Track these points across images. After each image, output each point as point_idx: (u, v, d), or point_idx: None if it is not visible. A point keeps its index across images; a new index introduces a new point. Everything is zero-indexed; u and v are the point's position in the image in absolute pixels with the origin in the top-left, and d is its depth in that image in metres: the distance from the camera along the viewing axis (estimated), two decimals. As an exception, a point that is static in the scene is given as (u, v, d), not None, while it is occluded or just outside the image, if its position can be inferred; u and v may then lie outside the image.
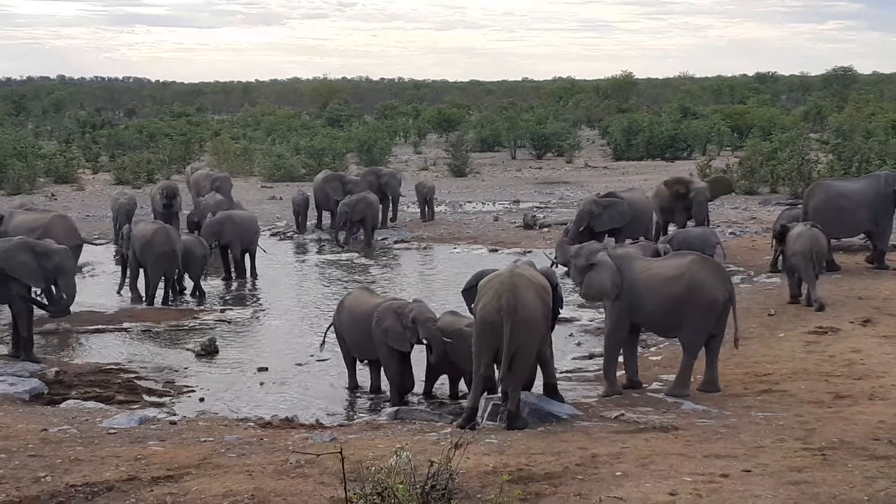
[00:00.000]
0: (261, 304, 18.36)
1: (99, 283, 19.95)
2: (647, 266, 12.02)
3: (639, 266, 12.00)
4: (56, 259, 13.90)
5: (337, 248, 23.58)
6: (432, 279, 20.60)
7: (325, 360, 14.11)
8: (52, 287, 14.41)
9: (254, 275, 20.43)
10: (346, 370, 12.92)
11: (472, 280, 11.56)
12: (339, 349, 13.21)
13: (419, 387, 12.43)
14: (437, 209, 28.31)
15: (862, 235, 19.90)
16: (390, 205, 26.80)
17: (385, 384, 12.47)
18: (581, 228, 19.71)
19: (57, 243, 14.43)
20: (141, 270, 18.25)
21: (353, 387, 12.78)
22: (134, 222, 19.38)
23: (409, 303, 12.28)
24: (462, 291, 11.79)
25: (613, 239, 19.11)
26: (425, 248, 24.10)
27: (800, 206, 21.11)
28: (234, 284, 20.09)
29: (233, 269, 20.39)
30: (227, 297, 18.99)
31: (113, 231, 23.34)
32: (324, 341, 13.33)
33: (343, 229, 23.91)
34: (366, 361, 12.81)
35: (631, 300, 11.81)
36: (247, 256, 20.50)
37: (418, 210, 27.77)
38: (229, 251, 20.24)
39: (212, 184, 24.44)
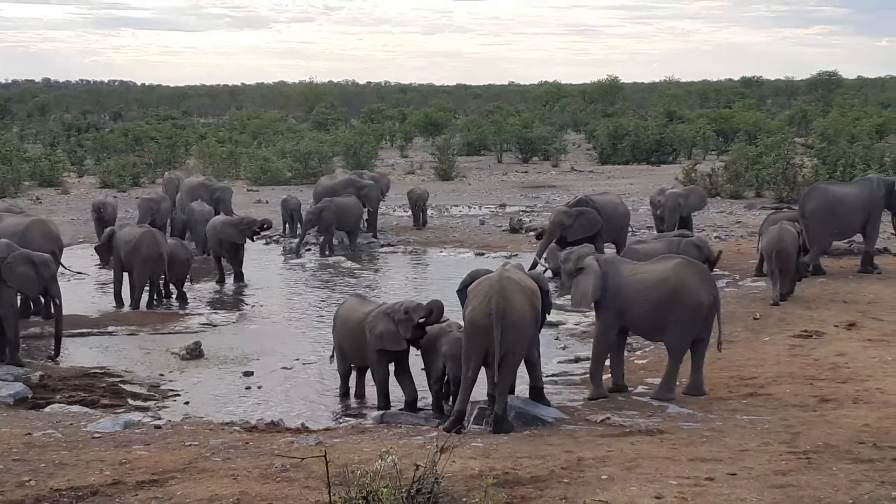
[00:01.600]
0: (246, 308, 18.32)
1: (83, 288, 19.86)
2: (634, 270, 12.06)
3: (626, 270, 12.04)
4: (53, 268, 14.47)
5: (324, 253, 23.54)
6: (419, 283, 20.59)
7: (311, 363, 14.12)
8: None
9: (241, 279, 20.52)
10: (339, 377, 12.82)
11: (467, 280, 11.56)
12: (324, 353, 13.20)
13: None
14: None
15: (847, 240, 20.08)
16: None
17: (371, 391, 12.44)
18: (554, 240, 19.66)
19: (35, 248, 14.65)
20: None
21: (345, 393, 12.73)
22: (119, 226, 19.30)
23: (396, 302, 12.26)
24: (457, 291, 11.80)
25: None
26: (411, 251, 24.10)
27: (784, 209, 21.26)
28: (220, 288, 20.07)
29: (222, 272, 20.52)
30: (213, 301, 18.93)
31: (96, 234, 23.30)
32: (332, 355, 13.19)
33: (305, 237, 23.86)
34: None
35: (619, 304, 11.84)
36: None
37: (405, 214, 27.73)
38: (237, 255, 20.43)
39: (212, 194, 24.33)
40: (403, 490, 6.76)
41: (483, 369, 10.65)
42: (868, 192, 18.61)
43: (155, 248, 17.71)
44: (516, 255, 22.21)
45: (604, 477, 8.26)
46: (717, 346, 11.87)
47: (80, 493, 8.15)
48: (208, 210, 22.84)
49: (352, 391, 12.67)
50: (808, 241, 18.14)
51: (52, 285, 14.45)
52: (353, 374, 12.71)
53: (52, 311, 14.84)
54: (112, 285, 18.47)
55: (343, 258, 23.00)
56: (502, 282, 10.54)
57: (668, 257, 12.53)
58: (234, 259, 20.39)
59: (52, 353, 14.50)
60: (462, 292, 11.48)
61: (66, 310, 16.14)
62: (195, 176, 28.54)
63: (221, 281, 20.36)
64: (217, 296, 19.50)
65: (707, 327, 11.73)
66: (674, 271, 11.71)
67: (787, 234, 16.62)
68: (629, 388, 12.21)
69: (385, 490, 6.57)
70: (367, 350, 12.01)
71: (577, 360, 13.96)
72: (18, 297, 14.94)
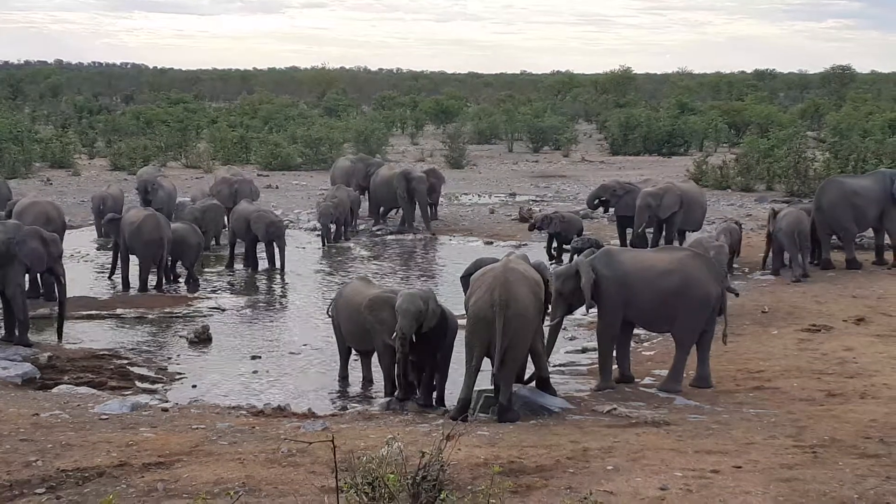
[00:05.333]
0: (255, 293, 18.34)
1: (91, 270, 19.91)
2: (638, 261, 12.00)
3: (629, 261, 11.97)
4: (60, 245, 14.70)
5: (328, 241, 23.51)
6: (426, 269, 20.59)
7: (319, 348, 14.14)
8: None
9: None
10: (339, 359, 12.88)
11: (471, 268, 11.55)
12: (331, 339, 13.21)
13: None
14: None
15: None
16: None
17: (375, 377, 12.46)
18: (596, 200, 21.94)
19: None
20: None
21: (345, 376, 12.76)
22: (125, 209, 19.32)
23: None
24: (461, 278, 11.79)
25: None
26: (420, 239, 24.07)
27: (796, 202, 21.21)
28: (231, 273, 20.09)
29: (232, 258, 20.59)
30: (222, 286, 18.94)
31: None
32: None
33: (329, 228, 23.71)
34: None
35: (624, 294, 11.77)
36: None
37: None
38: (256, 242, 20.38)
39: (230, 187, 24.08)
40: (409, 477, 6.76)
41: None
42: (882, 185, 18.63)
43: (156, 232, 17.72)
44: (525, 244, 22.19)
45: (609, 467, 8.26)
46: (722, 339, 11.86)
47: (87, 474, 8.18)
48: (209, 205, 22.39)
49: (355, 376, 12.70)
50: (822, 236, 18.72)
51: (58, 263, 14.58)
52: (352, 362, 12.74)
53: (56, 291, 14.88)
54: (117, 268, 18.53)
55: (352, 245, 23.02)
56: (506, 273, 10.52)
57: (675, 248, 12.49)
58: (254, 249, 20.32)
59: (56, 336, 14.49)
60: (466, 279, 11.48)
61: (75, 291, 16.27)
62: (226, 170, 28.41)
63: (230, 266, 20.37)
64: (226, 280, 19.50)
65: (713, 319, 11.71)
66: (681, 263, 11.68)
67: (804, 216, 18.16)
68: (636, 380, 12.19)
69: (391, 476, 6.57)
70: (366, 333, 11.99)
71: (584, 350, 13.96)
72: (26, 279, 15.00)
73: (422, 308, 11.10)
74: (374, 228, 25.08)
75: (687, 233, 20.45)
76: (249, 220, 20.02)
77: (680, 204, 19.83)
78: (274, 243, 20.11)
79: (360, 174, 26.41)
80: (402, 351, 11.17)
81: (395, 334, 11.13)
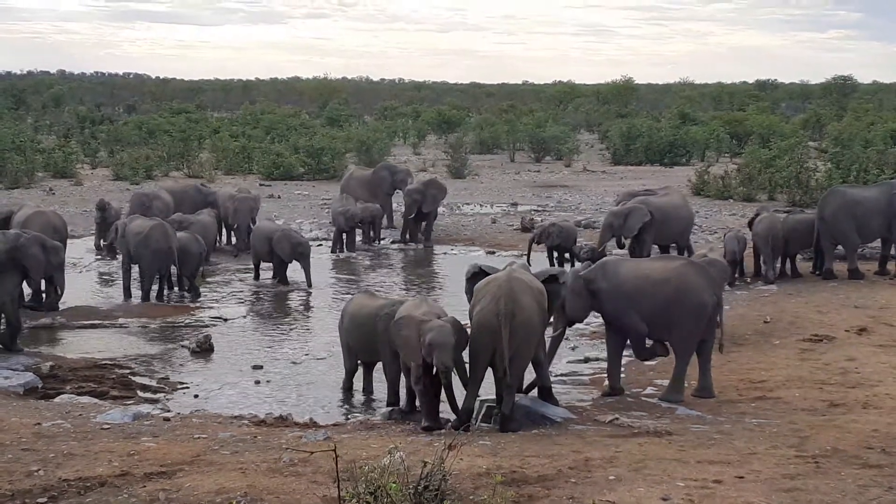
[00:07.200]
0: (257, 303, 18.34)
1: (93, 279, 19.92)
2: (635, 269, 12.02)
3: (625, 270, 11.99)
4: (61, 255, 14.80)
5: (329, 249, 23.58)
6: (428, 280, 20.60)
7: (321, 358, 14.14)
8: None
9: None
10: (345, 371, 12.84)
11: (469, 272, 11.57)
12: (333, 348, 13.21)
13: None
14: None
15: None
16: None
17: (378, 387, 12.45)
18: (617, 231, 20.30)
19: None
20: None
21: (348, 388, 12.73)
22: (129, 218, 19.33)
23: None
24: (466, 280, 11.77)
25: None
26: (422, 249, 24.07)
27: (797, 212, 21.15)
28: (231, 283, 20.11)
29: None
30: (224, 295, 18.93)
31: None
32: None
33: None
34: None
35: (621, 303, 11.79)
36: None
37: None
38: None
39: (232, 202, 23.85)
40: (411, 486, 6.77)
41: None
42: (887, 196, 18.58)
43: (165, 241, 17.74)
44: (526, 254, 22.17)
45: (611, 477, 8.25)
46: (718, 348, 11.86)
47: (88, 484, 8.17)
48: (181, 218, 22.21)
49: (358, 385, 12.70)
50: (825, 246, 18.74)
51: (58, 273, 14.66)
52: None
53: (49, 298, 15.05)
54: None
55: (354, 255, 23.03)
56: (510, 282, 10.53)
57: (671, 257, 12.51)
58: (283, 267, 20.21)
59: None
60: (470, 282, 11.44)
61: (76, 301, 16.30)
62: (226, 188, 28.28)
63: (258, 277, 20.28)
64: (228, 290, 19.49)
65: (711, 329, 11.72)
66: (676, 271, 11.69)
67: (778, 221, 18.77)
68: (637, 390, 12.19)
69: (393, 486, 6.57)
70: (377, 345, 11.94)
71: (586, 360, 13.96)
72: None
73: (453, 339, 10.65)
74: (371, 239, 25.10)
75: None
76: (271, 240, 19.82)
77: (649, 223, 19.17)
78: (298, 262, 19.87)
79: (386, 183, 26.36)
80: (446, 382, 10.66)
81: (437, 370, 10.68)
